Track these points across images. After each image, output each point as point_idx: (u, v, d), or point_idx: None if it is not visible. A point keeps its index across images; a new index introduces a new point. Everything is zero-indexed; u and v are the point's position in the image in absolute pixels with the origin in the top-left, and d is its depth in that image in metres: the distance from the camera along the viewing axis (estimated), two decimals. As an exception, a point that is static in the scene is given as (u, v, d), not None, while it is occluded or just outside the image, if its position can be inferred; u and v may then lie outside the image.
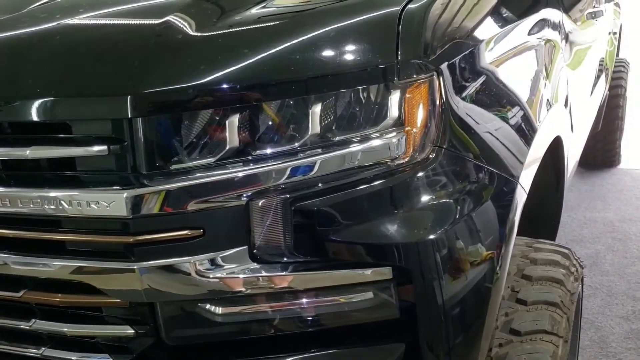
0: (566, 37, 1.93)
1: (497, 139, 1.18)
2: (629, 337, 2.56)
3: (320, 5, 1.09)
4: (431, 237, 0.98)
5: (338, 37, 1.00)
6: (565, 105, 1.83)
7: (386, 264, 0.97)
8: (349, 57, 0.99)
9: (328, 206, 0.97)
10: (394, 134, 0.99)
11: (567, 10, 2.00)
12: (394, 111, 0.99)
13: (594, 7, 2.72)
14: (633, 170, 4.50)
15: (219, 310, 1.00)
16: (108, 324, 1.06)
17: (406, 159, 1.00)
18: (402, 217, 0.99)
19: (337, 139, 0.98)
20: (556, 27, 1.81)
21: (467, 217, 1.05)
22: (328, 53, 0.98)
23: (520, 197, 1.22)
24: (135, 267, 0.96)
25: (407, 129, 1.00)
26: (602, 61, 3.75)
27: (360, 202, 0.98)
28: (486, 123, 1.16)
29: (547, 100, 1.53)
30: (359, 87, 0.98)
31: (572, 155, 2.17)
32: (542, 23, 1.64)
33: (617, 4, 4.24)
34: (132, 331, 1.03)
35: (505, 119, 1.22)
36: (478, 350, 1.11)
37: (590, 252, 3.31)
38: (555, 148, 1.77)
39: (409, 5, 1.03)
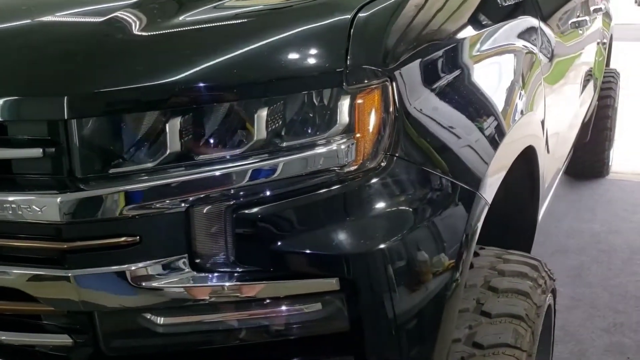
0: (543, 46, 1.91)
1: (455, 147, 1.15)
2: (609, 350, 2.52)
3: (271, 8, 1.06)
4: (378, 248, 0.95)
5: (287, 40, 0.97)
6: (541, 115, 1.80)
7: (332, 275, 0.94)
8: (298, 60, 0.96)
9: (272, 214, 0.93)
10: (343, 140, 0.96)
11: (545, 19, 1.97)
12: (343, 117, 0.96)
13: (578, 17, 2.70)
14: (621, 181, 4.47)
15: (160, 320, 0.97)
16: (47, 332, 1.02)
17: (356, 167, 0.97)
18: (349, 227, 0.96)
19: (284, 144, 0.95)
20: (532, 35, 1.79)
21: (420, 227, 1.02)
22: (276, 56, 0.96)
23: (480, 206, 1.18)
24: (69, 274, 0.93)
25: (357, 135, 0.97)
26: (591, 71, 3.73)
27: (307, 210, 0.95)
28: (444, 131, 1.13)
29: (517, 109, 1.50)
30: (308, 92, 0.95)
31: (550, 165, 2.14)
32: (515, 31, 1.62)
33: (607, 15, 4.23)
34: (71, 341, 0.99)
35: (465, 128, 1.19)
36: (432, 364, 1.07)
37: (575, 263, 3.28)
38: (529, 158, 1.75)
39: (363, 10, 1.00)
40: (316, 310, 0.97)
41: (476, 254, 1.55)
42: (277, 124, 0.95)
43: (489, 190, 1.26)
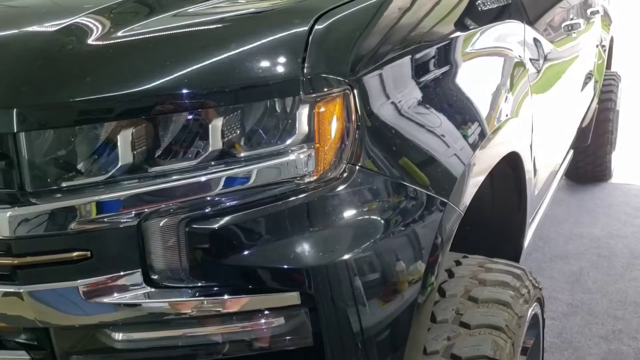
0: (530, 50, 1.88)
1: (423, 155, 1.12)
2: (607, 358, 2.48)
3: (228, 17, 1.04)
4: (338, 260, 0.92)
5: (244, 49, 0.95)
6: (527, 120, 1.77)
7: (292, 289, 0.92)
8: (255, 69, 0.94)
9: (229, 227, 0.91)
10: (302, 150, 0.94)
11: (532, 22, 1.95)
12: (302, 127, 0.94)
13: (571, 19, 2.66)
14: (624, 185, 4.42)
15: (118, 336, 0.95)
16: (6, 349, 1.01)
17: (316, 177, 0.95)
18: (308, 239, 0.93)
19: (241, 155, 0.93)
20: (516, 39, 1.76)
21: (384, 238, 0.99)
22: (232, 65, 0.94)
23: (452, 215, 1.16)
24: (21, 290, 0.91)
25: (317, 145, 0.95)
26: (590, 74, 3.69)
27: (265, 222, 0.93)
28: (410, 139, 1.10)
29: (498, 115, 1.47)
30: (266, 101, 0.93)
31: (541, 171, 2.10)
32: (496, 35, 1.59)
33: (606, 17, 4.19)
34: (28, 357, 0.97)
35: (434, 136, 1.16)
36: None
37: (574, 268, 3.23)
38: (515, 165, 1.72)
39: (322, 18, 0.98)
40: (278, 325, 0.95)
41: (458, 263, 1.52)
42: (233, 134, 0.93)
43: (465, 196, 1.23)
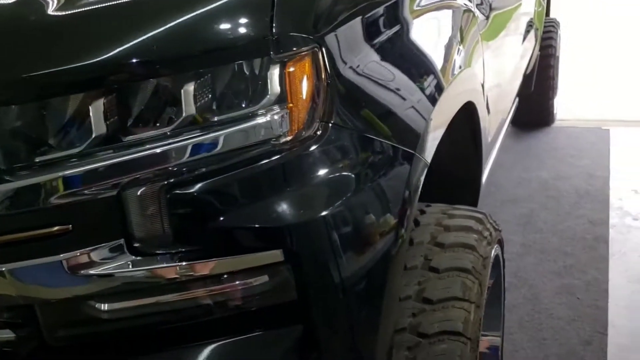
0: (479, 1, 1.92)
1: (392, 109, 1.15)
2: (560, 292, 2.63)
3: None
4: (318, 216, 0.95)
5: (210, 11, 0.95)
6: (479, 70, 1.82)
7: (275, 247, 0.94)
8: (223, 31, 0.94)
9: (208, 191, 0.92)
10: (276, 111, 0.95)
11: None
12: (275, 87, 0.95)
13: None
14: (567, 128, 4.60)
15: (104, 306, 0.96)
16: (-11, 328, 1.00)
17: (291, 137, 0.96)
18: (288, 198, 0.96)
19: (215, 119, 0.93)
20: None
21: (360, 191, 1.02)
22: (200, 28, 0.93)
23: (420, 166, 1.20)
24: (3, 269, 0.91)
25: (290, 105, 0.96)
26: (531, 22, 3.78)
27: (244, 184, 0.94)
28: (380, 93, 1.13)
29: (455, 66, 1.51)
30: (236, 63, 0.93)
31: (492, 119, 2.18)
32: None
33: (543, -36, 4.28)
34: (13, 335, 0.97)
35: (402, 88, 1.19)
36: (380, 325, 1.09)
37: (525, 211, 3.38)
38: (470, 113, 1.77)
39: None
40: (263, 282, 0.97)
41: (422, 212, 1.58)
42: (206, 99, 0.93)
43: (429, 148, 1.28)
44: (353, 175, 1.02)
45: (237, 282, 0.96)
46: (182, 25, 0.92)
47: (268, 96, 0.94)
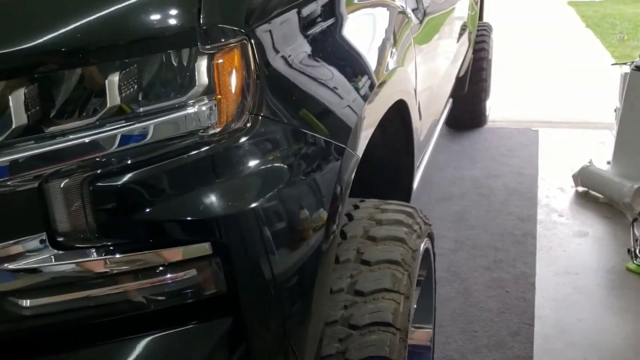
0: (413, 2, 1.97)
1: (323, 103, 1.17)
2: (490, 286, 2.73)
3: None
4: (245, 208, 0.95)
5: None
6: (412, 70, 1.87)
7: (202, 239, 0.94)
8: (149, 21, 0.92)
9: (133, 183, 0.91)
10: (204, 102, 0.95)
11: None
12: (202, 79, 0.94)
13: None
14: (499, 129, 4.77)
15: (25, 302, 0.93)
16: None
17: (220, 129, 0.96)
18: (216, 190, 0.95)
19: (141, 110, 0.92)
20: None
21: (289, 185, 1.03)
22: (125, 16, 0.91)
23: (351, 160, 1.22)
24: None
25: (219, 97, 0.96)
26: (465, 25, 3.91)
27: (170, 176, 0.94)
28: (311, 87, 1.14)
29: (387, 65, 1.55)
30: (163, 54, 0.92)
31: (425, 118, 2.24)
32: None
33: (476, -30, 4.43)
34: None
35: (333, 83, 1.21)
36: (310, 318, 1.11)
37: (458, 208, 3.49)
38: (402, 113, 1.82)
39: None
40: (192, 276, 0.97)
41: (356, 207, 1.61)
42: (131, 89, 0.91)
43: (360, 143, 1.30)
44: (283, 168, 1.03)
45: (166, 276, 0.96)
46: (108, 14, 0.90)
47: (196, 87, 0.94)
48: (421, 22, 2.09)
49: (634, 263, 2.79)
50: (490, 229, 3.24)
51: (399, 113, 1.83)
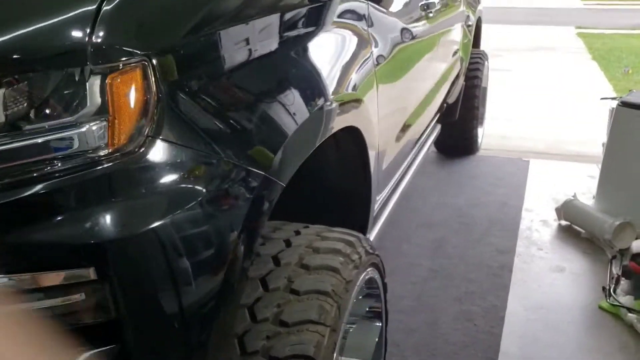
0: (374, 27, 1.95)
1: (238, 129, 1.14)
2: (458, 318, 2.68)
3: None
4: (131, 234, 0.93)
5: (28, 14, 0.92)
6: (369, 96, 1.84)
7: (84, 264, 0.92)
8: (41, 37, 0.91)
9: (15, 202, 0.89)
10: (95, 122, 0.93)
11: (378, 1, 2.02)
12: (94, 99, 0.92)
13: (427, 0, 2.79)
14: (490, 157, 4.73)
15: None
16: None
17: (110, 150, 0.94)
18: (100, 214, 0.92)
19: (28, 127, 0.90)
20: (357, 17, 1.83)
21: (187, 211, 1.00)
22: (14, 31, 0.90)
23: (270, 188, 1.19)
24: None
25: (111, 117, 0.94)
26: (455, 52, 3.90)
27: (56, 197, 0.91)
28: (226, 113, 1.11)
29: (327, 90, 1.51)
30: (53, 72, 0.91)
31: (389, 147, 2.21)
32: (332, 12, 1.64)
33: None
34: None
35: (254, 111, 1.18)
36: (211, 354, 1.07)
37: (437, 236, 3.44)
38: (356, 139, 1.79)
39: None
40: (80, 300, 0.94)
41: (298, 233, 1.58)
42: (20, 106, 0.90)
43: (287, 171, 1.27)
44: (181, 194, 1.00)
45: (50, 299, 0.93)
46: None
47: (87, 107, 0.92)
48: (387, 48, 2.07)
49: (607, 302, 2.73)
50: (467, 259, 3.19)
51: (353, 139, 1.81)
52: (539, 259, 3.19)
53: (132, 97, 0.95)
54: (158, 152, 0.98)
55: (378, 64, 1.95)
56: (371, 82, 1.88)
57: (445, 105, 3.84)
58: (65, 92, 0.91)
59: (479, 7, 4.79)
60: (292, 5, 1.42)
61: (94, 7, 0.92)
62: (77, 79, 0.91)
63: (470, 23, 4.36)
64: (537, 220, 3.62)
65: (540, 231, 3.49)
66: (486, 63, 4.74)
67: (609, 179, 3.37)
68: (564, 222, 3.52)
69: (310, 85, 1.41)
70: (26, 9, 0.93)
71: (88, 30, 0.91)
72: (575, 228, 3.45)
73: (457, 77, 4.05)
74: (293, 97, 1.32)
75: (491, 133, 5.17)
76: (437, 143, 4.60)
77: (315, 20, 1.53)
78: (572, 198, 3.50)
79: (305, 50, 1.44)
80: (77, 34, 0.91)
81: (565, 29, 12.76)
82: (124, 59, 0.93)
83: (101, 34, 0.92)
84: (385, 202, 2.46)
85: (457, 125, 4.34)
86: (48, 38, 0.91)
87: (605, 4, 18.49)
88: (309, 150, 1.37)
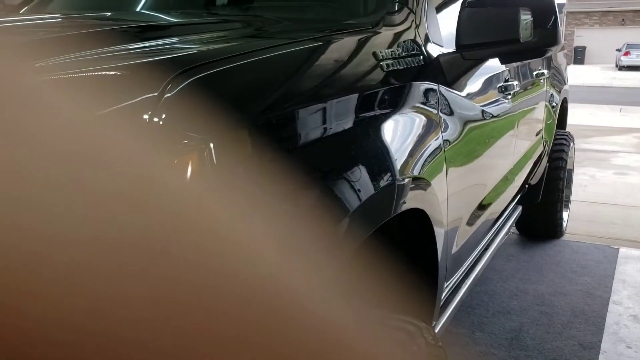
0: (445, 109, 1.94)
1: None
2: (533, 418, 2.47)
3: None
4: None
5: None
6: (438, 179, 1.81)
7: None
8: None
9: None
10: None
11: (450, 84, 2.02)
12: None
13: (506, 81, 2.76)
14: (575, 243, 4.48)
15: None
16: None
17: None
18: None
19: None
20: (429, 100, 1.83)
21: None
22: None
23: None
24: None
25: None
26: (538, 133, 3.80)
27: None
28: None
29: (388, 173, 1.50)
30: None
31: (460, 230, 2.14)
32: (402, 96, 1.65)
33: (556, 79, 4.33)
34: None
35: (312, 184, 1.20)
36: None
37: (515, 324, 3.25)
38: (423, 221, 1.75)
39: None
40: None
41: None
42: None
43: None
44: None
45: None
46: None
47: None
48: (458, 131, 2.05)
49: None
50: (546, 353, 2.98)
51: (419, 222, 1.77)
52: (627, 358, 2.92)
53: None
54: None
55: (447, 145, 1.92)
56: (440, 163, 1.85)
57: (527, 186, 3.72)
58: None
59: (565, 87, 4.68)
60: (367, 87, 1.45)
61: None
62: None
63: (554, 103, 4.26)
64: (627, 315, 3.35)
65: (629, 327, 3.22)
66: (572, 144, 4.58)
67: None
68: (657, 319, 3.23)
69: (371, 166, 1.41)
70: None
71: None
72: (670, 326, 3.16)
73: (540, 158, 3.93)
74: (356, 176, 1.31)
75: (578, 217, 4.93)
76: (520, 225, 4.43)
77: (389, 103, 1.55)
78: (667, 293, 3.22)
79: (376, 131, 1.45)
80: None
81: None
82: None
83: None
84: (457, 286, 2.36)
85: (540, 208, 4.18)
86: None
87: None
88: (369, 230, 1.35)
